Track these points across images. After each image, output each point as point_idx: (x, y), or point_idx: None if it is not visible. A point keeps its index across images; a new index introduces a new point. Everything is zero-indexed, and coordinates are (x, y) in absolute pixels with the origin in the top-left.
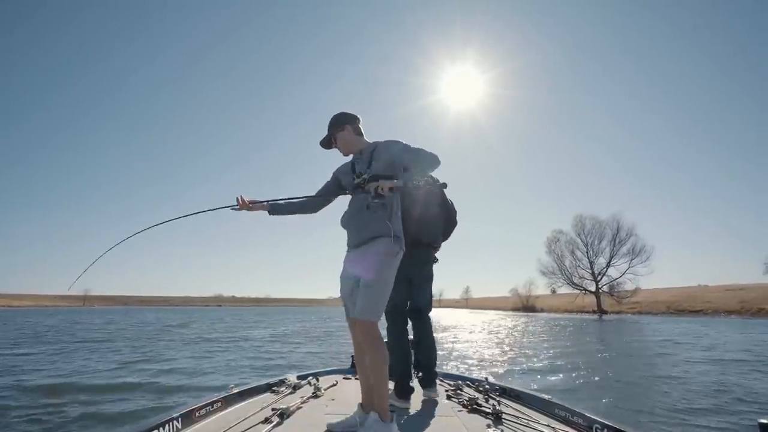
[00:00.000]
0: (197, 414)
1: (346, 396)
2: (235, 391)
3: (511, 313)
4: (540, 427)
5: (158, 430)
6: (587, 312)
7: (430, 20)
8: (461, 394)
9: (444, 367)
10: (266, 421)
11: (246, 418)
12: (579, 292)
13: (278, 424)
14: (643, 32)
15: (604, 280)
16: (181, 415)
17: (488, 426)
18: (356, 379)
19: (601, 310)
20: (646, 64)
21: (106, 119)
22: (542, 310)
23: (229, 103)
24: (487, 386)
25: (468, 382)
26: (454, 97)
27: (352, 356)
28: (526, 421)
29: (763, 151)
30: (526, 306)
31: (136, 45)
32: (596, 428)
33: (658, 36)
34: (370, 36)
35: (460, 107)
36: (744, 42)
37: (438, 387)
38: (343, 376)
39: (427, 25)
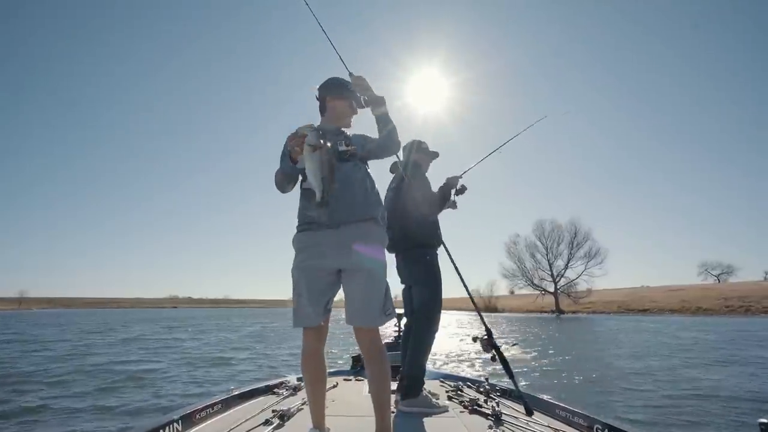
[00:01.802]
0: (197, 416)
1: (346, 398)
2: (236, 392)
3: (475, 313)
4: (541, 428)
5: None
6: (546, 312)
7: (397, 24)
8: (462, 395)
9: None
10: (266, 423)
11: (246, 420)
12: (538, 292)
13: (279, 426)
14: (605, 36)
15: (562, 281)
16: (181, 417)
17: (489, 427)
18: (357, 380)
19: (559, 310)
20: (607, 70)
21: (62, 116)
22: (503, 311)
23: (198, 103)
24: (487, 387)
25: (468, 383)
26: (420, 101)
27: (353, 357)
28: (526, 421)
29: (696, 162)
30: (488, 306)
31: (117, 39)
32: (597, 428)
33: (618, 39)
34: (334, 39)
35: (426, 112)
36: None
37: (439, 388)
38: (343, 378)
39: (393, 28)
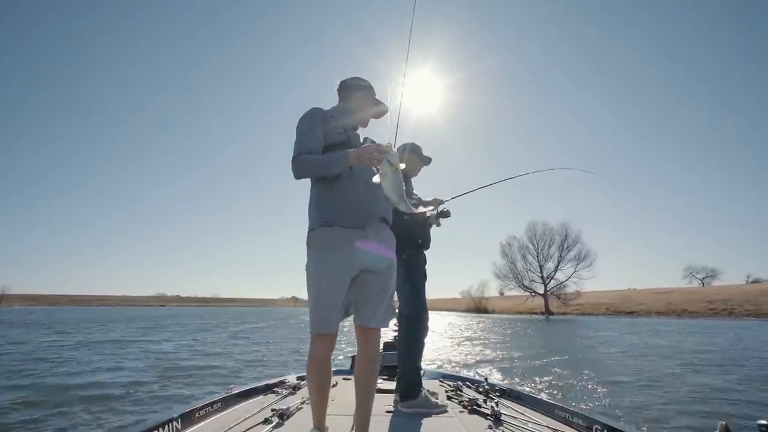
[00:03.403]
0: (197, 414)
1: (346, 397)
2: (235, 391)
3: (466, 314)
4: (540, 428)
5: (158, 430)
6: (536, 313)
7: (393, 24)
8: (461, 395)
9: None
10: (266, 421)
11: (246, 419)
12: (528, 294)
13: (278, 424)
14: (596, 35)
15: (552, 283)
16: (180, 416)
17: (489, 427)
18: None
19: (548, 312)
20: (603, 69)
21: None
22: (494, 312)
23: (193, 102)
24: (486, 387)
25: (468, 383)
26: (413, 102)
27: (352, 357)
28: (525, 422)
29: (685, 163)
30: (478, 308)
31: (110, 36)
32: (596, 429)
33: (609, 38)
34: (329, 40)
35: (420, 113)
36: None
37: (438, 387)
38: (343, 377)
39: (389, 29)
